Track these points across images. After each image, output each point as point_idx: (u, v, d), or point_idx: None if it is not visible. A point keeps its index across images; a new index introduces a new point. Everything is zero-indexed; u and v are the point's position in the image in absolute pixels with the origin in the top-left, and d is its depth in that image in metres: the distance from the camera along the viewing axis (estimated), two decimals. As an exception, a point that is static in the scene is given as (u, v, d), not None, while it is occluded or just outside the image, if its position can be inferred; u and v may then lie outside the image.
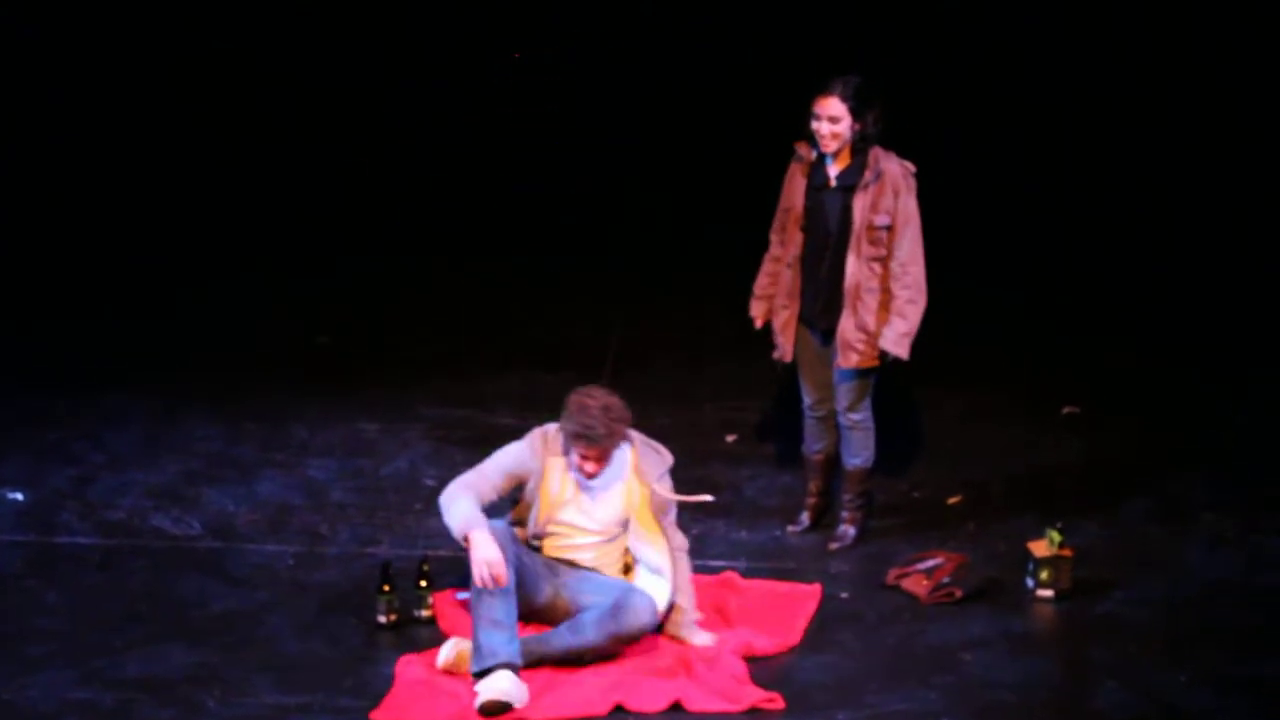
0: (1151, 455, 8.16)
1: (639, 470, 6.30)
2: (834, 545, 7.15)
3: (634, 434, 6.36)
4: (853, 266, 6.79)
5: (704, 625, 6.36)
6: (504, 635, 5.95)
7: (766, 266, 7.11)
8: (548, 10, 12.69)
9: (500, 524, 6.20)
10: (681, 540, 6.41)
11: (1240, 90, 11.42)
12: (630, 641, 6.15)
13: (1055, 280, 10.70)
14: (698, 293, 10.27)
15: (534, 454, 6.28)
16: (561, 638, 6.12)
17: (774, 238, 7.07)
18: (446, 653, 6.09)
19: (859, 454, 7.08)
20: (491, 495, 6.24)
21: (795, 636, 6.34)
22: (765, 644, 6.24)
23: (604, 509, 6.30)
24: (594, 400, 6.15)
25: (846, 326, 6.84)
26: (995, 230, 11.32)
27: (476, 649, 5.96)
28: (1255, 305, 10.12)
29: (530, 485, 6.28)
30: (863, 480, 7.16)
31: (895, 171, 6.76)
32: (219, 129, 12.34)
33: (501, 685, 5.83)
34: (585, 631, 6.10)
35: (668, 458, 6.39)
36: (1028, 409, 8.79)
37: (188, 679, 5.96)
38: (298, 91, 12.41)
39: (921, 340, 6.96)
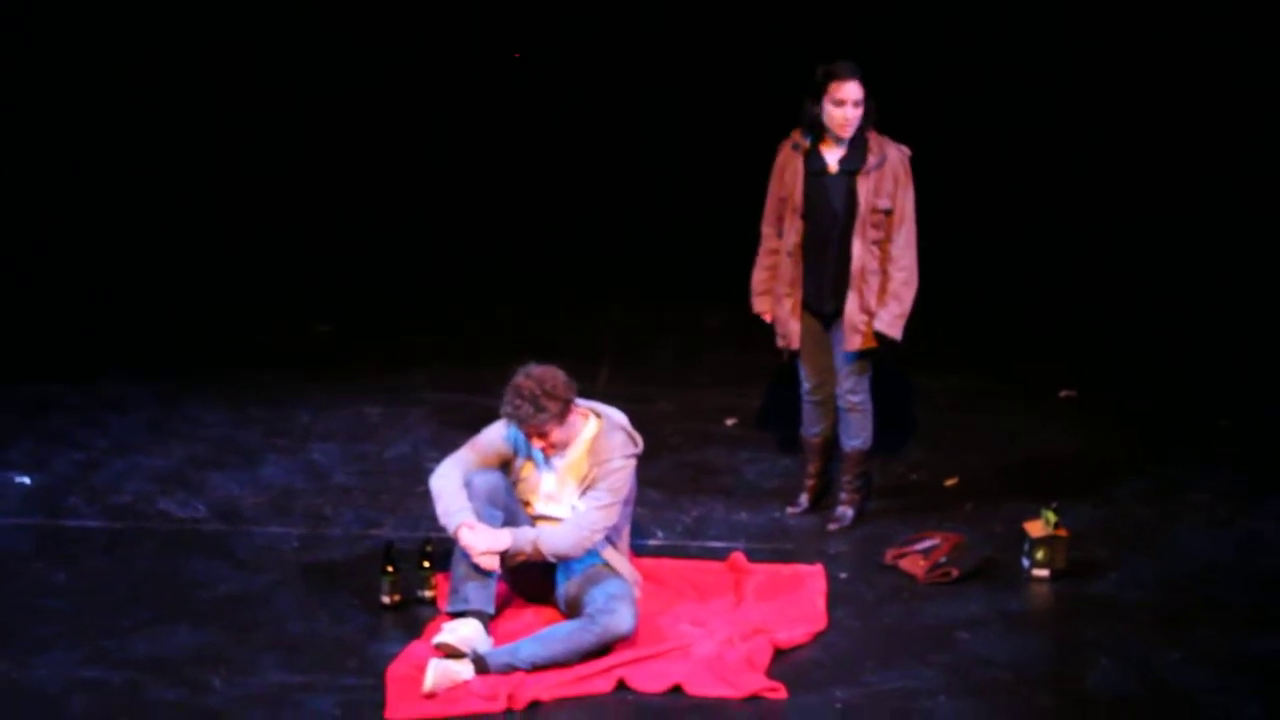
0: (1146, 438, 8.22)
1: (593, 450, 6.21)
2: (832, 526, 7.20)
3: (610, 415, 6.30)
4: (858, 250, 6.81)
5: (718, 608, 6.38)
6: (480, 584, 6.07)
7: (763, 260, 7.08)
8: (543, 10, 12.74)
9: (496, 475, 6.24)
10: (597, 516, 6.11)
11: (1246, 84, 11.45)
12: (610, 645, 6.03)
13: (1051, 265, 10.75)
14: (698, 279, 10.32)
15: (512, 436, 6.30)
16: (531, 650, 5.93)
17: (767, 230, 7.05)
18: (434, 676, 5.80)
19: (857, 436, 7.13)
20: (484, 467, 6.27)
21: (822, 621, 6.33)
22: (799, 635, 6.19)
23: (567, 490, 6.26)
24: (527, 381, 6.06)
25: (852, 309, 6.85)
26: (991, 215, 11.37)
27: (454, 590, 6.11)
28: (1253, 289, 10.17)
29: (515, 465, 6.32)
30: (861, 462, 7.21)
31: (895, 156, 6.78)
32: (220, 122, 12.39)
33: (465, 633, 5.94)
34: (555, 644, 5.95)
35: (635, 445, 6.25)
36: (1024, 392, 8.85)
37: (194, 659, 6.02)
38: (296, 84, 12.45)
39: (919, 324, 7.01)
